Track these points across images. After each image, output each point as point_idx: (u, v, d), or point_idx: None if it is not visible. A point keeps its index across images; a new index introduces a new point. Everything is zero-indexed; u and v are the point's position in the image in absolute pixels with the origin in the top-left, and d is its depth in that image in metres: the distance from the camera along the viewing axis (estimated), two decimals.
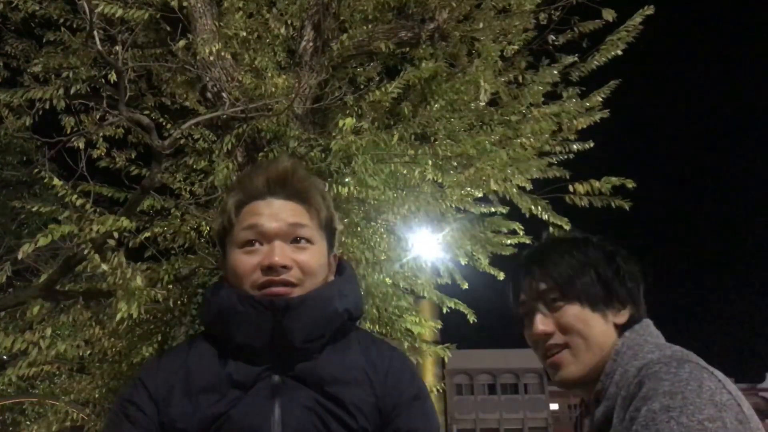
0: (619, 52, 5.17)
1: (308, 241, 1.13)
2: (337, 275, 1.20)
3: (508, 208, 5.56)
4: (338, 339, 1.14)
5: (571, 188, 4.82)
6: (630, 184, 4.83)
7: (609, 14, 5.13)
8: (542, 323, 1.15)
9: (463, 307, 6.02)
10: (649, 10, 5.11)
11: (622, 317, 1.15)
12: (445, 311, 6.05)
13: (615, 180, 4.79)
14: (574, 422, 1.27)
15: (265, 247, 1.10)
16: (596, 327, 1.13)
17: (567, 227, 5.07)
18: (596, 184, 4.74)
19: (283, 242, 1.10)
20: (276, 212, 1.11)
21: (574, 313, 1.13)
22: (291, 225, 1.11)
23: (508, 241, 5.74)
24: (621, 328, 1.14)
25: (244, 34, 4.56)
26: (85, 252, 3.54)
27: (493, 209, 5.53)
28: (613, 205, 4.85)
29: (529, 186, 5.10)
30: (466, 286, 6.03)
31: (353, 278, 1.22)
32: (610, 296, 1.15)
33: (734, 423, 0.92)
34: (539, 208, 5.07)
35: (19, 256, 3.44)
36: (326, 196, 1.19)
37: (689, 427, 0.90)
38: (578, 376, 1.13)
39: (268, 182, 1.14)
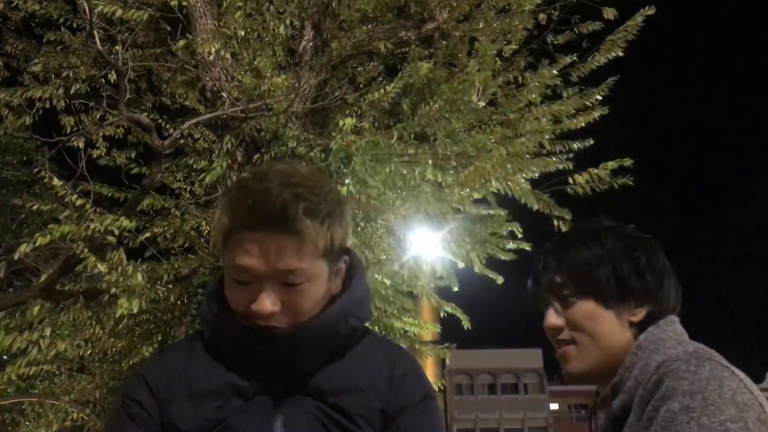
0: (620, 54, 5.16)
1: (301, 281, 1.05)
2: (346, 282, 1.15)
3: (506, 211, 5.54)
4: (343, 349, 1.12)
5: (571, 180, 4.83)
6: (627, 163, 4.85)
7: (610, 13, 5.11)
8: (553, 317, 1.14)
9: (459, 313, 5.97)
10: (650, 10, 5.10)
11: (638, 315, 1.10)
12: (442, 315, 6.02)
13: (613, 164, 4.82)
14: (589, 413, 1.24)
15: (255, 286, 1.04)
16: (606, 325, 1.10)
17: (568, 217, 5.03)
18: (594, 171, 4.78)
19: (274, 282, 1.04)
20: (266, 252, 1.02)
21: (585, 309, 1.11)
22: (281, 271, 1.03)
23: (508, 245, 5.69)
24: (640, 326, 1.10)
25: (244, 33, 4.55)
26: (78, 251, 3.54)
27: (492, 211, 5.50)
28: (615, 185, 4.84)
29: (527, 186, 5.07)
30: (456, 288, 5.95)
31: (361, 287, 1.16)
32: (625, 293, 1.11)
33: (756, 424, 0.89)
34: (541, 203, 5.04)
35: (16, 256, 3.45)
36: (332, 218, 1.06)
37: (710, 429, 0.88)
38: (582, 372, 1.12)
39: (259, 215, 1.02)
